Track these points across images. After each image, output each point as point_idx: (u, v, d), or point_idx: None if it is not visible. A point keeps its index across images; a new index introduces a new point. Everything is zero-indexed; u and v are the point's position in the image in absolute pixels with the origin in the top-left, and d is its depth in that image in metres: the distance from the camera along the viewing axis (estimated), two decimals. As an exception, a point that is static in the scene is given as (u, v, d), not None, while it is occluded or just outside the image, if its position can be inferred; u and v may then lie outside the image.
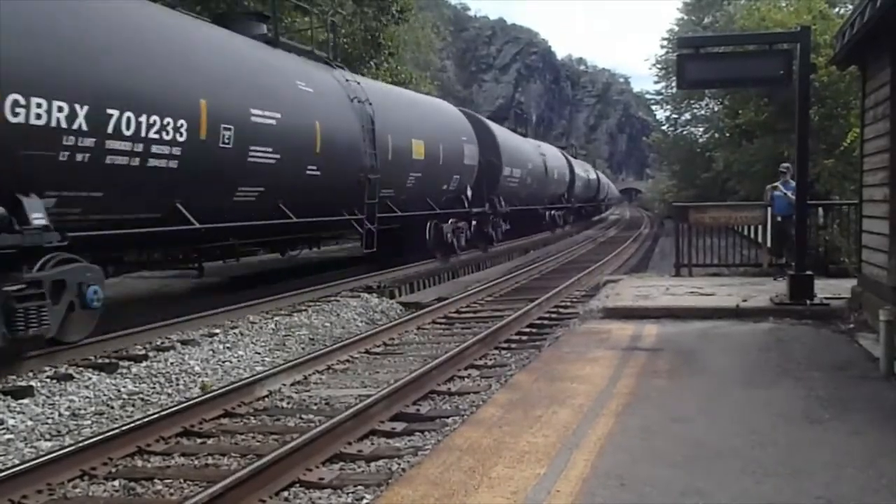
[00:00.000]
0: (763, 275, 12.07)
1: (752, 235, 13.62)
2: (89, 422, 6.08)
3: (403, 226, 16.01)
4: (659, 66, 37.00)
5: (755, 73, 9.60)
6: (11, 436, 5.61)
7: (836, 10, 22.88)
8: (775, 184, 11.79)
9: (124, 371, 7.29)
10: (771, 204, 11.85)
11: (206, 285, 13.50)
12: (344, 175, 12.64)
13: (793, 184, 11.00)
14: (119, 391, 6.81)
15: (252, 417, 6.14)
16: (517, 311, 10.16)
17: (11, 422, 5.81)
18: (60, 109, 7.13)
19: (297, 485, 4.53)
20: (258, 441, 5.49)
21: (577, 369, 6.30)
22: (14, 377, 6.80)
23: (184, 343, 8.43)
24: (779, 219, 11.58)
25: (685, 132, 37.12)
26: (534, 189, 27.28)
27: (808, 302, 8.75)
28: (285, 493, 4.43)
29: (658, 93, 39.41)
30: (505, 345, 8.65)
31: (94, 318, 7.81)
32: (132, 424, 5.41)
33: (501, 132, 24.18)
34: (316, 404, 6.46)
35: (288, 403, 6.54)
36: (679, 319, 8.55)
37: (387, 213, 14.42)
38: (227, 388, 6.51)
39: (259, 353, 8.56)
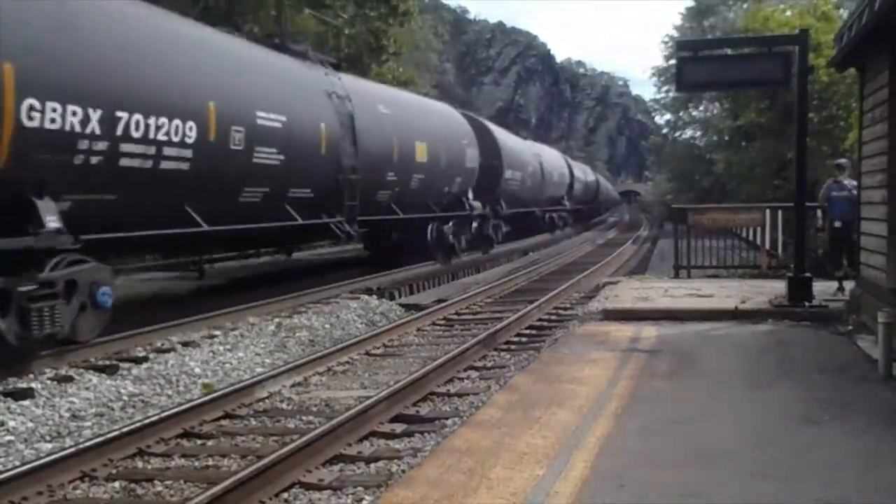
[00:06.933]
0: (761, 276, 12.09)
1: (751, 237, 13.64)
2: (90, 423, 6.09)
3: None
4: (658, 76, 37.14)
5: (754, 76, 9.64)
6: (12, 437, 5.61)
7: (841, 11, 22.95)
8: (837, 179, 10.00)
9: (125, 373, 7.29)
10: (825, 207, 10.27)
11: (206, 287, 13.50)
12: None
13: (852, 183, 9.48)
14: (119, 393, 6.81)
15: (252, 419, 6.15)
16: (516, 313, 10.15)
17: (12, 423, 5.81)
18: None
19: (297, 486, 4.54)
20: (258, 442, 5.50)
21: (576, 371, 6.32)
22: (15, 379, 6.80)
23: (184, 345, 8.43)
24: (837, 224, 9.82)
25: (684, 136, 37.24)
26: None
27: (806, 304, 8.77)
28: (285, 495, 4.44)
29: (655, 100, 39.58)
30: (504, 346, 8.65)
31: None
32: (133, 426, 5.41)
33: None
34: (316, 406, 6.47)
35: (288, 405, 6.55)
36: (678, 321, 8.56)
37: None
38: (228, 389, 6.52)
39: (259, 355, 8.56)
